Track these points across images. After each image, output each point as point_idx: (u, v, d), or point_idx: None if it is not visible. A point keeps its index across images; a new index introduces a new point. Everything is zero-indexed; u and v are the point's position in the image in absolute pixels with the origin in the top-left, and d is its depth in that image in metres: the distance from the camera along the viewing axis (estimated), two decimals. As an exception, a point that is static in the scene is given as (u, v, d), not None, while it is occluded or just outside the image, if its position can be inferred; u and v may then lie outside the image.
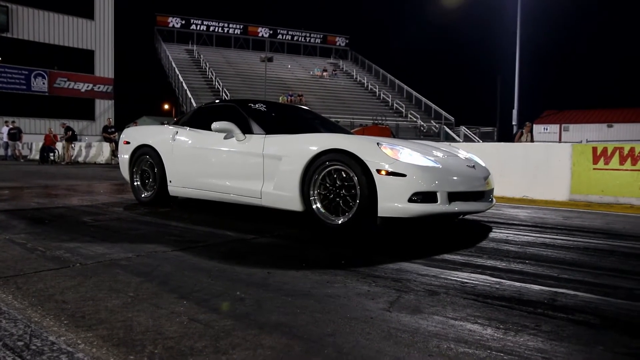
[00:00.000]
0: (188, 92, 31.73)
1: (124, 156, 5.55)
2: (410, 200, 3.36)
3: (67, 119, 22.32)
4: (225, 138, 4.46)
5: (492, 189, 4.13)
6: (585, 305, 2.07)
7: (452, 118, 35.28)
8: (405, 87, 40.75)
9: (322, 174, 3.74)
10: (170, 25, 44.59)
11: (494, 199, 4.18)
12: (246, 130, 4.36)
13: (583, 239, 3.77)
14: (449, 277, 2.49)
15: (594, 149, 6.54)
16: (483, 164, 4.36)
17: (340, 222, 3.64)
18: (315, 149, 3.75)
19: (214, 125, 4.35)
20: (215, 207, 5.17)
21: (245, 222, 4.23)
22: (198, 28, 45.48)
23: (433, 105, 36.85)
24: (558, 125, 43.31)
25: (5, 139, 21.23)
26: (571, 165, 6.68)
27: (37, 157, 19.88)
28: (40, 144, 20.54)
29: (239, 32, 47.21)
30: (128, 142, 5.52)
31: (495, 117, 32.81)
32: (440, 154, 3.93)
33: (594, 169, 6.50)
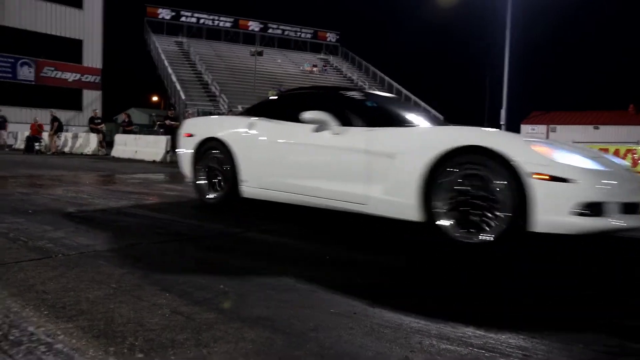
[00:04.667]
0: (177, 84, 31.41)
1: (186, 150, 4.83)
2: (575, 212, 2.67)
3: (53, 109, 21.88)
4: (315, 131, 3.75)
5: None
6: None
7: (440, 116, 35.40)
8: (395, 84, 40.77)
9: (451, 177, 2.99)
10: (160, 16, 44.06)
11: None
12: (343, 121, 3.70)
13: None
14: (433, 274, 2.50)
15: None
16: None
17: (479, 240, 2.88)
18: (442, 145, 3.02)
19: (306, 115, 3.71)
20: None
21: (233, 215, 4.21)
22: (188, 20, 45.02)
23: (422, 103, 36.91)
24: (545, 126, 43.70)
25: (-11, 127, 20.90)
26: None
27: (23, 146, 19.58)
28: (26, 134, 20.24)
29: (229, 25, 46.84)
30: (191, 135, 4.80)
31: (483, 116, 33.14)
32: (590, 154, 3.13)
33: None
